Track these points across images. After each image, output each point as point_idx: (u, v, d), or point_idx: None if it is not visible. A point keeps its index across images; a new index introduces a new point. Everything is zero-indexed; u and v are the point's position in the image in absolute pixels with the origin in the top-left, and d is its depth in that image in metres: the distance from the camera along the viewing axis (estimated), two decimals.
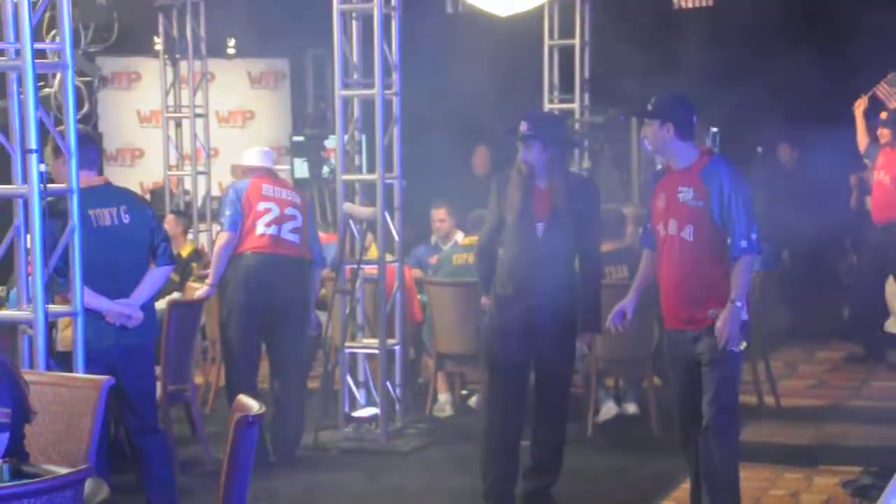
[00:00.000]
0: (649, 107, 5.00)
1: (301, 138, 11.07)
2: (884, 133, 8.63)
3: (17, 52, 4.74)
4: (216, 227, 10.34)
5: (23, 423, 3.72)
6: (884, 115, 8.63)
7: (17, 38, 4.72)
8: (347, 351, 7.18)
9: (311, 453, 6.82)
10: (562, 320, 5.41)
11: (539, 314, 5.32)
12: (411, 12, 7.59)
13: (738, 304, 4.83)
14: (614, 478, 6.34)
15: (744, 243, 4.84)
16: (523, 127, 5.42)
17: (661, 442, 6.72)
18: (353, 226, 7.28)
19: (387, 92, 7.17)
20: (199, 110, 10.08)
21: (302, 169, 12.10)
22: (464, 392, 7.93)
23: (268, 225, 6.55)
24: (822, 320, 9.82)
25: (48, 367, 4.63)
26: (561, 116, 8.91)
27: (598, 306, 5.57)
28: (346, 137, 7.36)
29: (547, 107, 10.20)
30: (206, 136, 10.17)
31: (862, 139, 8.83)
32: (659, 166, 5.40)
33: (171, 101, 10.19)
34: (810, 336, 9.78)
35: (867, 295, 8.89)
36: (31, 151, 4.69)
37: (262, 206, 6.58)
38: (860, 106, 8.81)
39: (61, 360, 4.83)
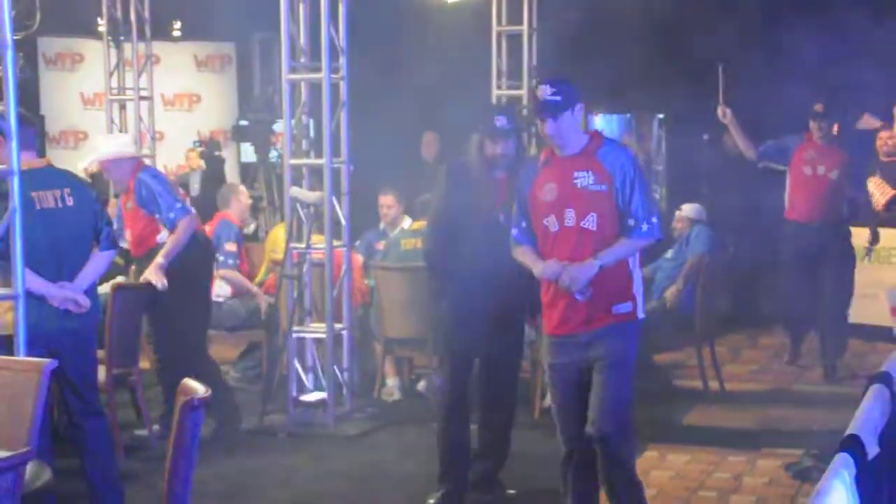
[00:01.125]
0: (558, 99, 4.50)
1: (245, 122, 11.02)
2: (816, 128, 8.09)
3: None
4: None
5: None
6: (819, 107, 8.28)
7: None
8: (295, 335, 7.15)
9: (257, 437, 6.79)
10: (514, 305, 5.43)
11: (496, 299, 5.33)
12: None
13: (598, 263, 4.49)
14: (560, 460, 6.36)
15: (644, 227, 4.54)
16: (501, 121, 5.36)
17: None
18: (300, 210, 7.25)
19: (334, 76, 7.14)
20: (143, 93, 9.96)
21: (248, 153, 12.05)
22: (412, 377, 7.94)
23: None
24: (765, 306, 9.94)
25: None
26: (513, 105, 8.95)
27: None
28: (293, 122, 7.32)
29: (495, 93, 10.20)
30: (150, 119, 10.06)
31: (744, 143, 8.35)
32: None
33: (114, 84, 10.06)
34: (754, 322, 9.90)
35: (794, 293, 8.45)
36: None
37: None
38: (725, 114, 8.30)
39: (3, 344, 4.77)
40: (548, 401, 7.31)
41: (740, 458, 6.29)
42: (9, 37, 4.73)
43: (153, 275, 6.33)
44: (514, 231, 4.75)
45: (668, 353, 8.51)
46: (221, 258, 7.74)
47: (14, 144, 4.74)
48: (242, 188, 8.52)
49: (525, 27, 10.16)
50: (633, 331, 4.66)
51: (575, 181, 4.55)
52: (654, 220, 4.57)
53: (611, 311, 4.58)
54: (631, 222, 4.54)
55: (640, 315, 4.67)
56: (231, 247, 7.83)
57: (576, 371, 4.67)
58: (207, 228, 7.70)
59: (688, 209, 8.69)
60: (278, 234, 8.26)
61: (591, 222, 4.55)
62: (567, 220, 4.57)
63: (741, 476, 6.00)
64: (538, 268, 4.62)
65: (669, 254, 8.53)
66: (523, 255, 4.72)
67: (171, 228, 6.47)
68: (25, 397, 3.83)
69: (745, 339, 9.63)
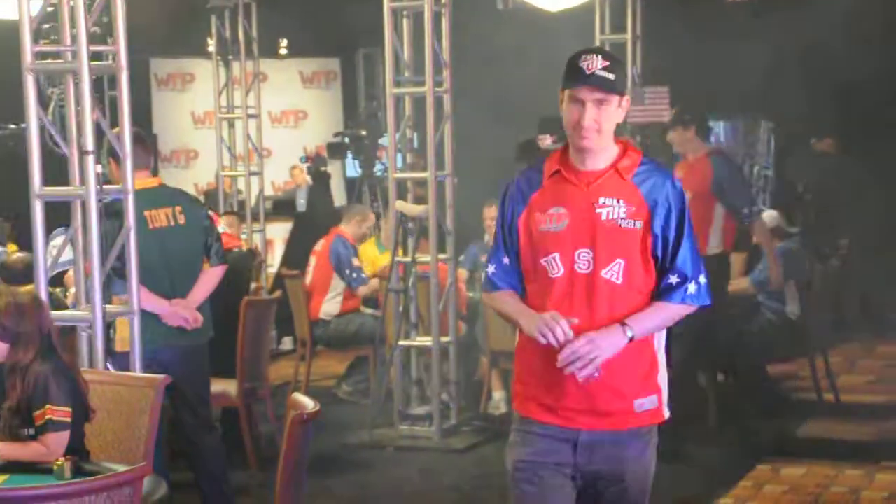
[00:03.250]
0: (611, 77, 3.19)
1: (339, 139, 11.05)
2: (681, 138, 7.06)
3: (74, 55, 4.80)
4: (270, 226, 10.46)
5: (83, 422, 3.77)
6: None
7: (74, 40, 4.78)
8: (401, 348, 7.19)
9: (366, 451, 6.84)
10: None
11: None
12: (462, 9, 7.58)
13: (629, 333, 3.16)
14: (674, 472, 6.26)
15: (692, 288, 3.23)
16: None
17: (719, 436, 6.72)
18: (406, 223, 7.28)
19: (438, 89, 7.16)
20: (251, 111, 10.14)
21: (353, 167, 12.18)
22: None
23: None
24: (883, 314, 9.68)
25: (106, 367, 4.69)
26: None
27: None
28: (398, 135, 7.36)
29: None
30: (258, 136, 10.24)
31: None
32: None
33: (224, 102, 10.27)
34: (870, 331, 9.65)
35: None
36: (87, 153, 4.75)
37: None
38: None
39: (120, 360, 4.88)
40: None
41: (858, 471, 6.12)
42: (124, 59, 4.85)
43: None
44: (489, 268, 3.35)
45: (781, 364, 8.33)
46: (354, 275, 7.80)
47: (128, 164, 4.86)
48: (372, 216, 8.57)
49: (629, 35, 10.08)
50: (656, 437, 3.32)
51: (599, 210, 3.21)
52: (704, 279, 3.25)
53: (631, 406, 3.22)
54: (673, 280, 3.22)
55: (667, 414, 3.30)
56: (357, 261, 7.92)
57: (561, 478, 3.25)
58: (322, 242, 7.78)
59: (766, 216, 8.23)
60: (367, 249, 8.34)
61: (615, 272, 3.19)
62: (579, 263, 3.20)
63: (859, 490, 5.84)
64: (530, 322, 3.18)
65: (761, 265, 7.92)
66: (502, 303, 3.32)
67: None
68: (142, 413, 3.92)
69: (861, 349, 9.39)
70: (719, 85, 10.65)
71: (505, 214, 3.33)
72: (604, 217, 3.21)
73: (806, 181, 10.41)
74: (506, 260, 3.33)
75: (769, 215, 8.26)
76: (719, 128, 12.10)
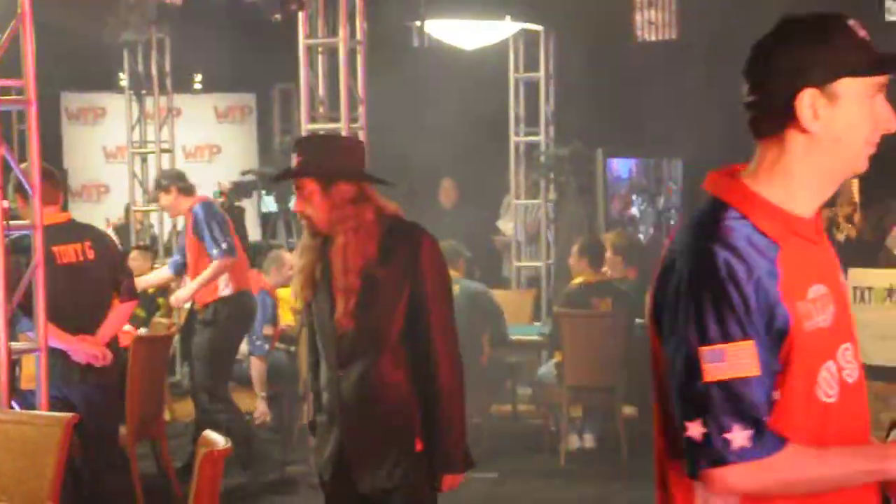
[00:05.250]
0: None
1: (245, 178, 10.96)
2: None
3: None
4: None
5: None
6: None
7: None
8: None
9: (280, 486, 6.76)
10: None
11: None
12: (377, 46, 7.63)
13: None
14: None
15: None
16: None
17: (632, 472, 6.73)
18: None
19: (353, 126, 7.19)
20: (165, 145, 10.05)
21: (269, 203, 12.13)
22: None
23: None
24: None
25: (12, 405, 4.59)
26: None
27: None
28: None
29: (513, 140, 10.25)
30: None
31: None
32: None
33: (136, 137, 10.16)
34: None
35: None
36: None
37: None
38: None
39: (25, 398, 4.79)
40: (571, 444, 7.32)
41: None
42: (32, 94, 4.79)
43: (176, 298, 6.80)
44: (740, 431, 1.92)
45: None
46: (258, 342, 7.59)
47: (36, 200, 4.79)
48: (288, 257, 8.34)
49: (542, 74, 10.22)
50: None
51: (842, 281, 2.13)
52: None
53: None
54: None
55: None
56: (268, 331, 7.56)
57: None
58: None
59: None
60: (285, 291, 8.22)
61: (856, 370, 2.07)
62: (847, 369, 2.05)
63: None
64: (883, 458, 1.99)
65: None
66: (812, 461, 1.97)
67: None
68: (47, 453, 3.84)
69: None
70: (627, 122, 10.86)
71: (750, 310, 1.92)
72: (847, 292, 2.13)
73: None
74: (774, 396, 1.95)
75: None
76: (629, 164, 12.31)
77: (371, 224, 3.41)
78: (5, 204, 4.76)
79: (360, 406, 3.46)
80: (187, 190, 6.86)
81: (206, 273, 6.60)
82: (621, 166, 12.17)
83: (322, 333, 3.56)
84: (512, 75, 10.25)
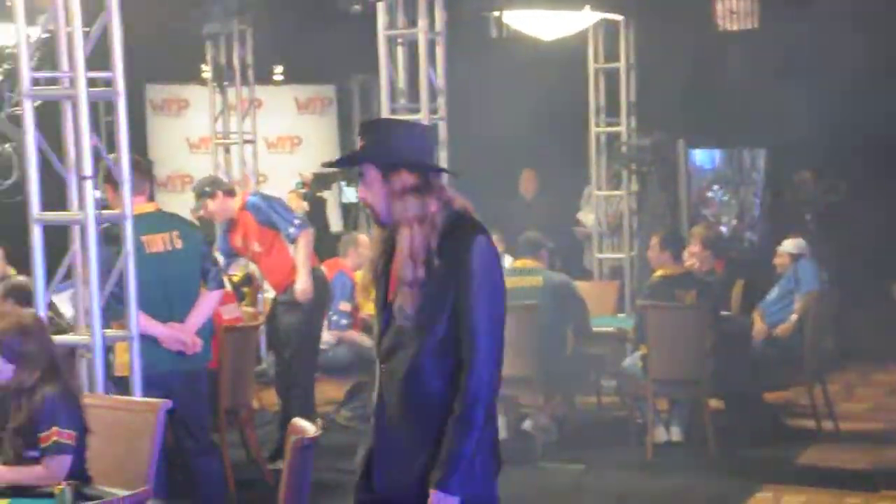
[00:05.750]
0: None
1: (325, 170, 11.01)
2: None
3: (71, 81, 4.80)
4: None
5: (85, 447, 3.75)
6: None
7: (71, 67, 4.79)
8: None
9: None
10: None
11: None
12: (456, 37, 7.61)
13: None
14: (671, 501, 6.26)
15: None
16: None
17: (718, 465, 6.68)
18: None
19: (433, 116, 7.18)
20: (247, 136, 10.15)
21: (350, 194, 12.20)
22: (518, 416, 7.87)
23: None
24: (876, 342, 9.67)
25: (107, 391, 4.66)
26: None
27: None
28: None
29: (593, 130, 10.17)
30: (254, 162, 10.24)
31: None
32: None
33: (219, 128, 10.27)
34: (865, 358, 9.64)
35: None
36: (85, 178, 4.75)
37: None
38: None
39: (119, 385, 4.86)
40: (658, 437, 7.25)
41: (857, 499, 6.10)
42: (121, 85, 4.86)
43: (302, 291, 6.63)
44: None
45: (779, 392, 8.32)
46: (335, 317, 7.67)
47: (126, 189, 4.85)
48: (364, 238, 8.42)
49: (622, 63, 10.12)
50: None
51: None
52: None
53: None
54: None
55: None
56: (345, 307, 7.72)
57: None
58: (325, 269, 7.78)
59: (789, 244, 8.41)
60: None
61: None
62: None
63: None
64: None
65: (774, 293, 8.16)
66: None
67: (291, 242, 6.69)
68: (143, 437, 3.89)
69: (858, 376, 9.38)
70: (709, 112, 10.71)
71: None
72: None
73: (812, 210, 10.45)
74: None
75: (792, 242, 8.29)
76: (713, 154, 12.14)
77: (434, 216, 3.18)
78: (97, 194, 4.83)
79: (397, 402, 3.21)
80: (231, 191, 6.93)
81: (301, 253, 6.67)
82: (703, 157, 12.00)
83: (373, 326, 3.42)
84: (592, 65, 10.16)
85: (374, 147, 3.22)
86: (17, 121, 6.56)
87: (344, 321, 7.72)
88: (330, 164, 3.48)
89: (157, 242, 5.24)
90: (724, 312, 7.45)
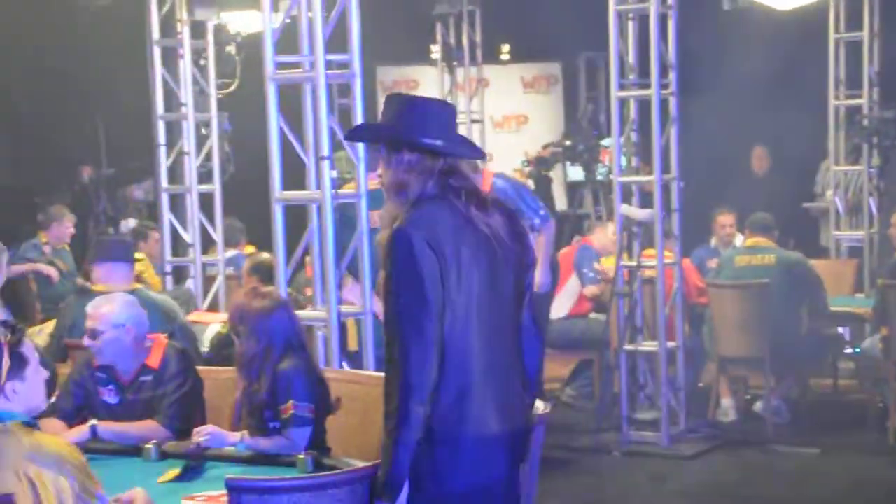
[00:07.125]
0: None
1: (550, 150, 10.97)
2: None
3: (311, 64, 4.98)
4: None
5: (325, 418, 3.90)
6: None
7: (311, 50, 4.97)
8: (626, 353, 7.11)
9: (592, 455, 6.79)
10: None
11: None
12: (687, 11, 7.45)
13: None
14: None
15: None
16: None
17: None
18: (630, 227, 7.21)
19: (663, 92, 7.06)
20: (475, 116, 10.27)
21: (575, 172, 12.15)
22: (748, 397, 7.70)
23: None
24: None
25: (341, 365, 4.83)
26: None
27: None
28: (622, 139, 7.30)
29: (832, 103, 9.78)
30: (482, 140, 10.36)
31: None
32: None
33: None
34: None
35: None
36: (323, 158, 4.92)
37: None
38: None
39: (353, 359, 5.02)
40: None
41: None
42: (357, 67, 5.00)
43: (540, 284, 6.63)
44: None
45: None
46: (586, 271, 7.83)
47: (361, 168, 5.00)
48: (611, 225, 8.44)
49: (866, 33, 9.67)
50: None
51: None
52: None
53: None
54: None
55: None
56: (597, 265, 7.88)
57: None
58: (566, 250, 7.82)
59: None
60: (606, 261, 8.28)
61: None
62: None
63: None
64: None
65: None
66: None
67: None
68: (375, 410, 3.99)
69: None
70: None
71: None
72: None
73: None
74: None
75: None
76: None
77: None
78: (334, 173, 4.99)
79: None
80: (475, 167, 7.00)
81: (543, 246, 6.75)
82: None
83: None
84: (832, 35, 9.75)
85: (380, 123, 3.21)
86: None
87: (598, 277, 7.87)
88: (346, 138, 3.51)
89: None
90: None
